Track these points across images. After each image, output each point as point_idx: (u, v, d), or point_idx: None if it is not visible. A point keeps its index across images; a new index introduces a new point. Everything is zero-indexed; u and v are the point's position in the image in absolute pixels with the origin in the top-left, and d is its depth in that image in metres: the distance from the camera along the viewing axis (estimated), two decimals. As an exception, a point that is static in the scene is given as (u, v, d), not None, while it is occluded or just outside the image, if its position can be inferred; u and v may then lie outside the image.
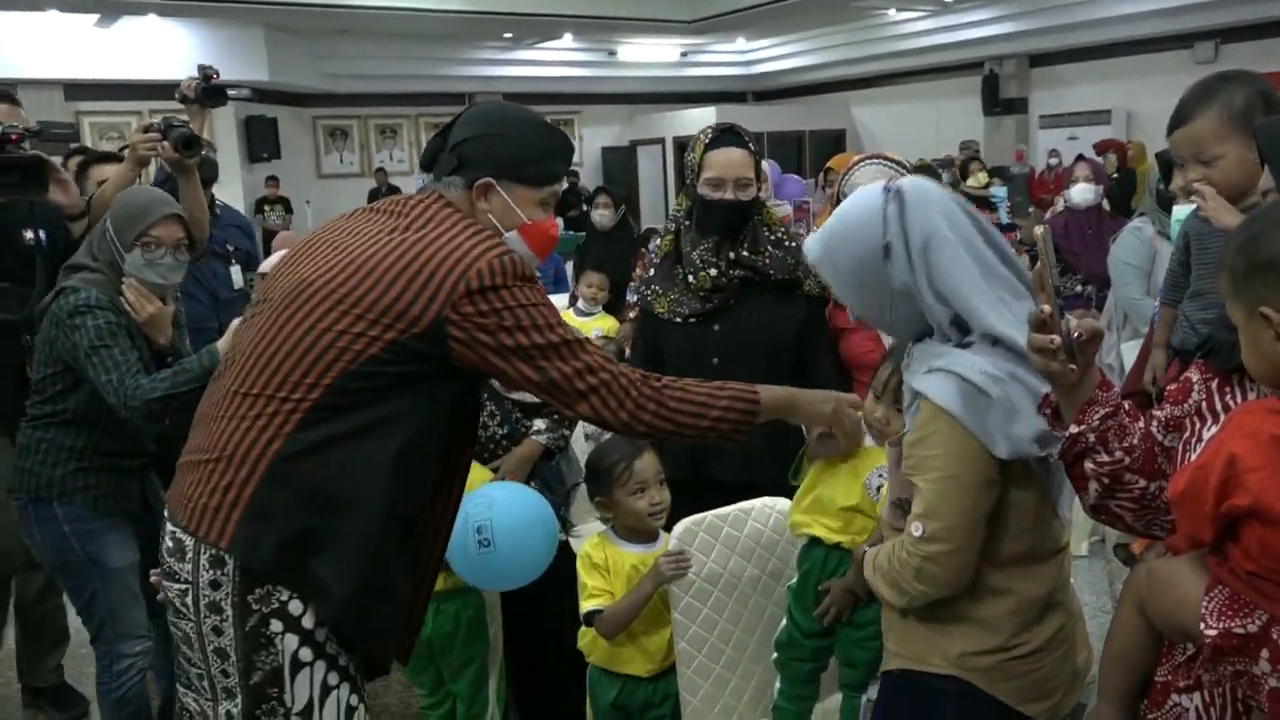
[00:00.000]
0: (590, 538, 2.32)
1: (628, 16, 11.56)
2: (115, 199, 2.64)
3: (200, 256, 3.20)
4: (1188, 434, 1.33)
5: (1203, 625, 1.16)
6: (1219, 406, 1.30)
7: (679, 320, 2.54)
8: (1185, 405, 1.35)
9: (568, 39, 13.52)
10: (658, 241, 2.72)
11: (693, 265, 2.51)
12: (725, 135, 2.52)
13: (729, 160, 2.47)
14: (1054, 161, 11.83)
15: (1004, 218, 6.72)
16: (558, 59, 14.33)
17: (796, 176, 8.67)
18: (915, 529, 1.46)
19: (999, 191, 6.79)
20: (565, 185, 1.62)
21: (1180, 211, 2.22)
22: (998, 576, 1.50)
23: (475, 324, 1.55)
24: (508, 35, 12.17)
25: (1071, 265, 4.78)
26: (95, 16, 10.16)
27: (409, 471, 1.59)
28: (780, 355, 2.49)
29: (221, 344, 2.40)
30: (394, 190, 12.67)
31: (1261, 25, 11.26)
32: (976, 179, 6.99)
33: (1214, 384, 1.32)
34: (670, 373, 2.56)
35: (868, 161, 2.65)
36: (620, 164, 16.40)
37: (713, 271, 2.48)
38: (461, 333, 1.55)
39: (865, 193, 1.55)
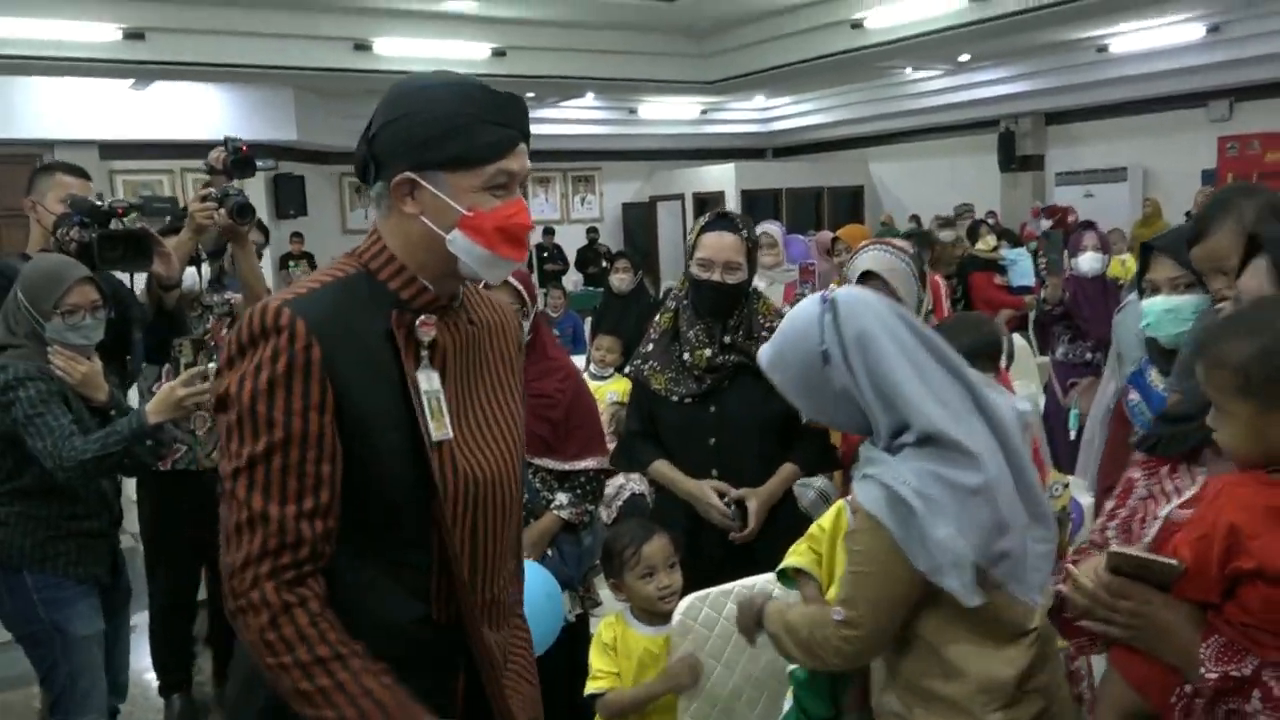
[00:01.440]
0: (606, 617, 2.38)
1: (649, 78, 11.78)
2: (23, 270, 2.68)
3: None
4: (1140, 514, 1.48)
5: (1203, 669, 1.29)
6: (1170, 489, 1.47)
7: (675, 399, 2.62)
8: (1130, 503, 1.51)
9: (589, 98, 13.78)
10: (658, 317, 2.81)
11: (689, 344, 2.60)
12: (719, 220, 2.66)
13: (720, 244, 2.59)
14: (1071, 219, 11.96)
15: (1015, 280, 6.77)
16: (579, 116, 14.58)
17: (800, 237, 8.79)
18: (836, 614, 1.60)
19: (1010, 254, 6.85)
20: (516, 156, 1.36)
21: (1154, 304, 2.26)
22: (953, 653, 1.57)
23: None
24: (530, 95, 12.42)
25: (1082, 332, 4.82)
26: (130, 80, 10.46)
27: None
28: (774, 435, 2.57)
29: (150, 405, 2.50)
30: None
31: (1274, 85, 11.36)
32: (985, 241, 7.05)
33: (1162, 471, 1.50)
34: (668, 447, 2.62)
35: (872, 246, 2.74)
36: (640, 220, 16.59)
37: (708, 351, 2.57)
38: None
39: (806, 303, 1.67)
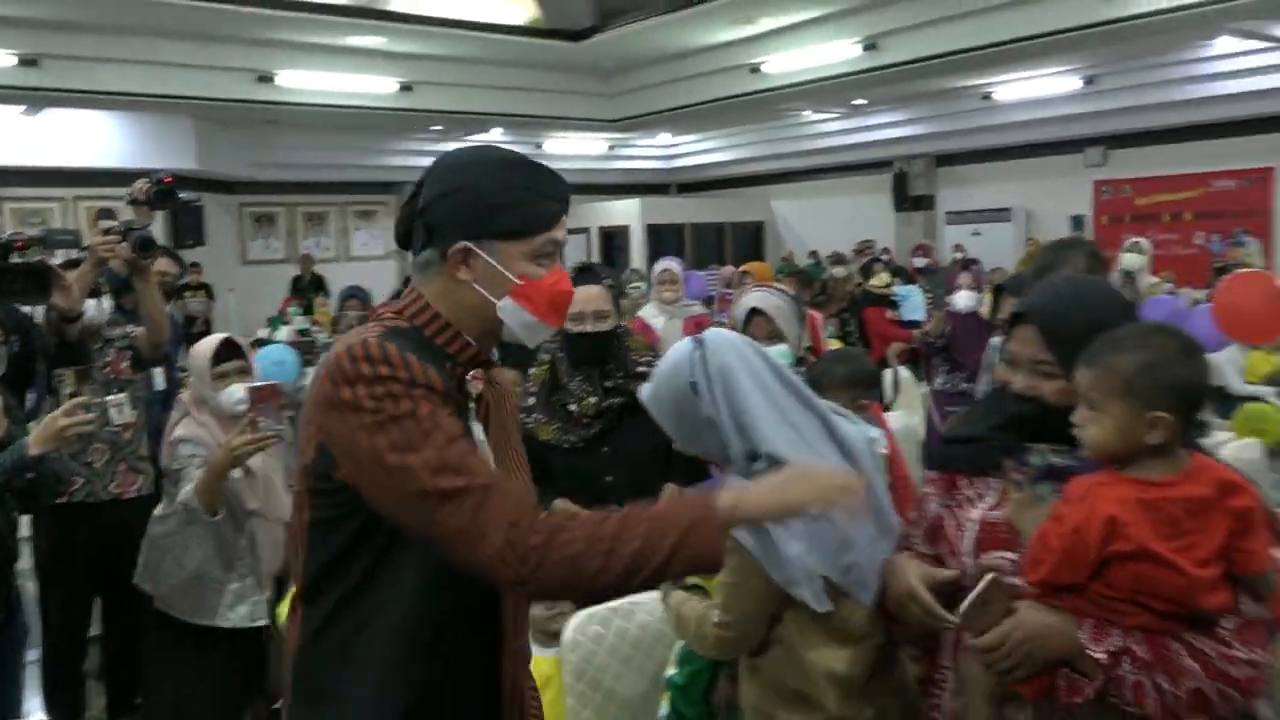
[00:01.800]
0: None
1: (554, 115, 11.96)
2: None
3: (162, 361, 3.29)
4: (944, 521, 1.73)
5: (1090, 651, 1.50)
6: (972, 495, 1.72)
7: (566, 446, 2.74)
8: (928, 514, 1.77)
9: (496, 132, 13.91)
10: (532, 370, 2.91)
11: (573, 395, 2.75)
12: (581, 274, 2.81)
13: (587, 295, 2.73)
14: (958, 255, 12.53)
15: (906, 314, 7.10)
16: (486, 151, 14.66)
17: (700, 273, 9.09)
18: (714, 615, 1.86)
19: (901, 290, 7.19)
20: (560, 226, 1.51)
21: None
22: (807, 653, 1.79)
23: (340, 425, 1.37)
24: (436, 128, 12.49)
25: (959, 364, 5.11)
26: (22, 107, 10.21)
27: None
28: (666, 464, 2.70)
29: (32, 436, 2.50)
30: (318, 279, 12.77)
31: (1143, 134, 12.13)
32: (879, 278, 7.38)
33: (959, 482, 1.74)
34: (565, 491, 2.74)
35: (757, 287, 2.95)
36: (547, 252, 16.71)
37: (593, 399, 2.72)
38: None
39: (681, 343, 1.87)
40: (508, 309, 1.44)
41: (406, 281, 1.81)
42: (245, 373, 2.82)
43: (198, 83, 9.70)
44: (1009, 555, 1.62)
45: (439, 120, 11.77)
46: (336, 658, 1.43)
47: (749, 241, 16.91)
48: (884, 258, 8.23)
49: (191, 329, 10.75)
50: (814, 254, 14.49)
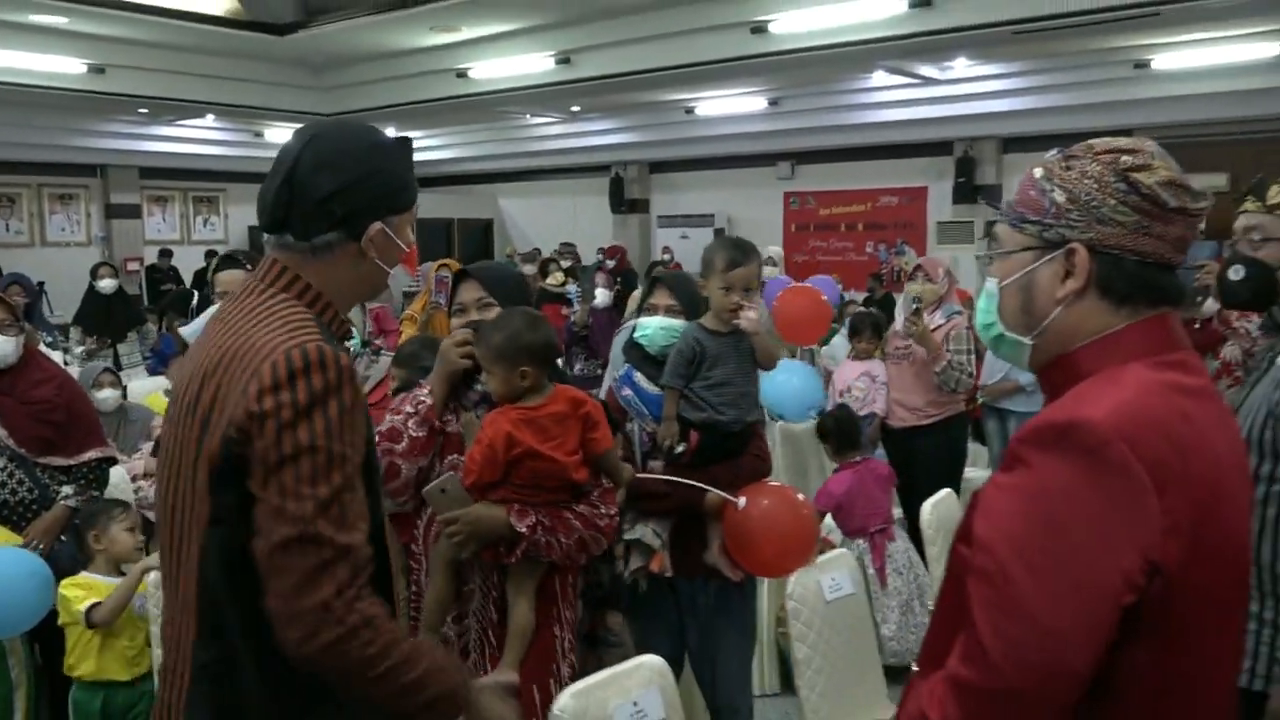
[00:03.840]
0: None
1: (266, 106, 11.84)
2: None
3: None
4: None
5: (518, 527, 2.20)
6: (451, 417, 2.41)
7: None
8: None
9: (210, 119, 13.53)
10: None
11: None
12: (226, 260, 3.25)
13: (232, 279, 3.14)
14: (666, 257, 13.51)
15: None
16: (201, 136, 14.24)
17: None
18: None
19: (572, 289, 7.83)
20: None
21: (650, 322, 2.90)
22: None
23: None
24: (142, 110, 12.04)
25: (596, 352, 5.78)
26: None
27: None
28: None
29: None
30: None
31: (823, 151, 13.54)
32: (555, 277, 8.01)
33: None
34: None
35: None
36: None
37: None
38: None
39: None
40: (399, 274, 1.76)
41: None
42: None
43: None
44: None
45: (141, 104, 11.37)
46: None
47: (478, 238, 17.28)
48: (564, 261, 8.85)
49: None
50: (536, 250, 15.07)
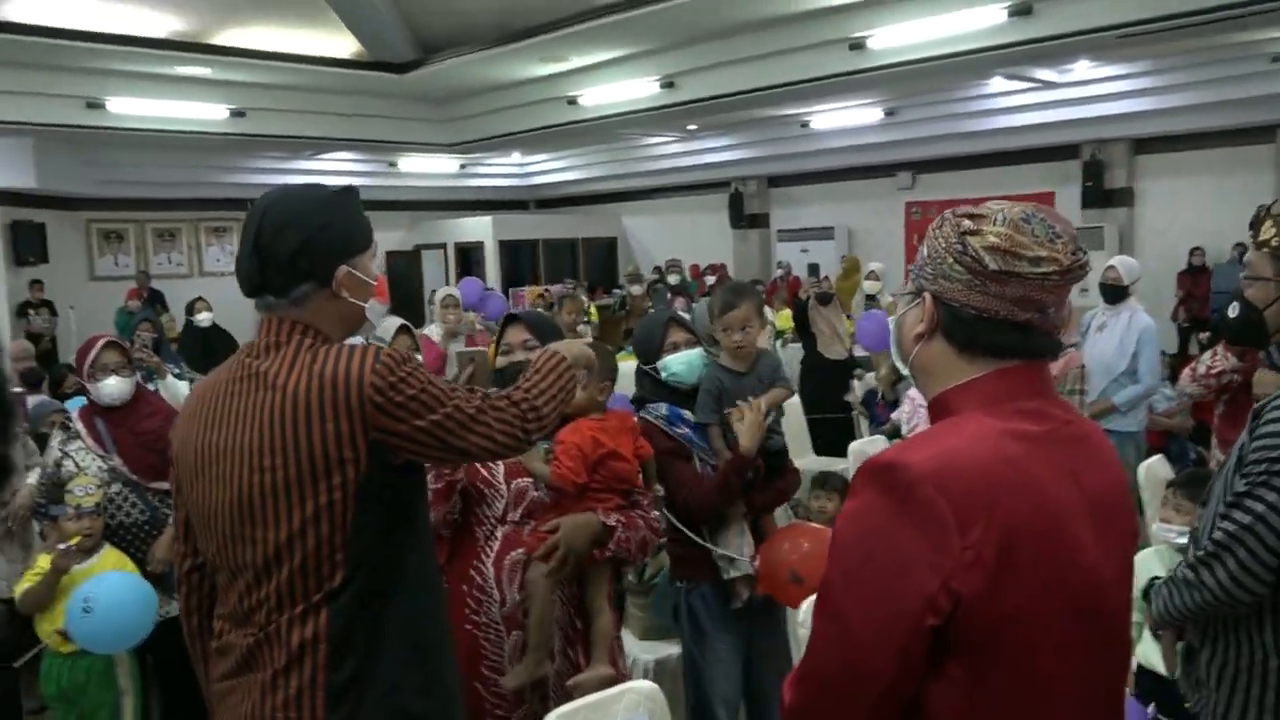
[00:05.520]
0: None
1: (393, 140, 12.46)
2: None
3: None
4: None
5: (606, 522, 2.47)
6: None
7: None
8: None
9: (347, 154, 14.30)
10: None
11: None
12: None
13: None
14: (780, 271, 13.52)
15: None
16: (339, 168, 15.05)
17: (499, 294, 9.74)
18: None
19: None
20: None
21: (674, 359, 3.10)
22: None
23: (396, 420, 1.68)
24: (279, 152, 12.89)
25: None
26: None
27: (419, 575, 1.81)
28: None
29: None
30: (157, 295, 13.00)
31: (943, 160, 13.24)
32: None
33: None
34: None
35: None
36: (405, 267, 17.10)
37: None
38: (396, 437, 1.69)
39: None
40: (374, 306, 1.83)
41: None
42: None
43: (28, 108, 9.96)
44: (527, 479, 2.50)
45: (279, 143, 12.16)
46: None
47: (602, 256, 17.62)
48: (671, 277, 8.99)
49: (37, 346, 10.97)
50: (658, 268, 15.30)
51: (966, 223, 1.34)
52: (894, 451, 1.30)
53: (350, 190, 1.83)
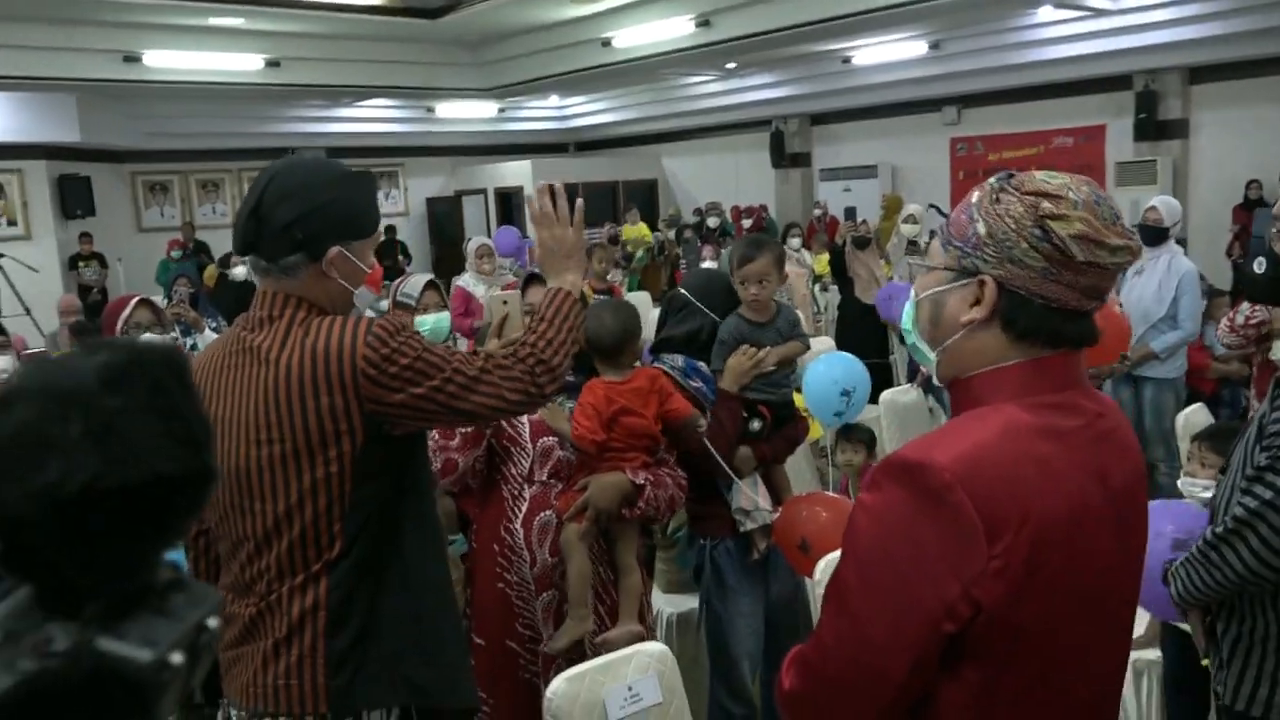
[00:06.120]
0: None
1: (429, 86, 12.40)
2: None
3: None
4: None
5: (637, 481, 2.55)
6: None
7: None
8: None
9: (384, 101, 14.27)
10: None
11: None
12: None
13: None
14: (819, 212, 13.29)
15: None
16: (378, 115, 15.06)
17: (512, 229, 9.74)
18: None
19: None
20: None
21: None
22: None
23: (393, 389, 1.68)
24: (318, 100, 12.90)
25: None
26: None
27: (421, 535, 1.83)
28: None
29: None
30: (201, 245, 13.15)
31: (990, 94, 12.87)
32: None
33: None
34: None
35: None
36: (446, 214, 17.13)
37: None
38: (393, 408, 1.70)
39: None
40: (363, 294, 1.81)
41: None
42: None
43: (63, 64, 10.03)
44: (553, 438, 2.57)
45: (315, 94, 12.16)
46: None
47: (644, 199, 17.44)
48: (710, 220, 8.89)
49: (87, 299, 11.18)
50: (698, 211, 15.14)
51: (1046, 205, 1.21)
52: (921, 449, 1.22)
53: (365, 176, 1.83)
